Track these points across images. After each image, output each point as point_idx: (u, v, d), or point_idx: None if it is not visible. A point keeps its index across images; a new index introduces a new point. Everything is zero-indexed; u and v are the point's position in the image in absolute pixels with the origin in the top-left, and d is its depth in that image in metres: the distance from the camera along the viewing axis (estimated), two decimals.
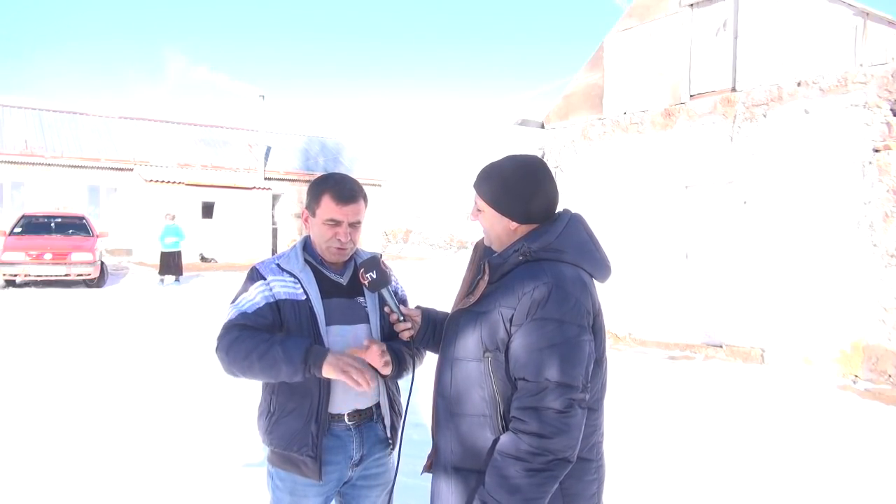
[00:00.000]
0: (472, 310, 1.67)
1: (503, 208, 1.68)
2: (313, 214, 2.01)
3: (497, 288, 1.63)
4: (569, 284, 1.56)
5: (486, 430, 1.60)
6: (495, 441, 1.57)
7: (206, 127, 27.26)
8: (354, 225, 2.00)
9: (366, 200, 2.05)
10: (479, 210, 1.74)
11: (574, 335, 1.53)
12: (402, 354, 2.01)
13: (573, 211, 1.75)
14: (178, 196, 22.20)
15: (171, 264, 15.13)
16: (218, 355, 1.90)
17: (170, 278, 15.16)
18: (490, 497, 1.50)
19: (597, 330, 1.62)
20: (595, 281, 1.71)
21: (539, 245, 1.62)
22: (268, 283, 1.96)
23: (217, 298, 12.78)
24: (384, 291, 1.92)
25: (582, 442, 1.59)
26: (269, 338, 1.84)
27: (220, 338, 1.90)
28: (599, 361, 1.63)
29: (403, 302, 2.16)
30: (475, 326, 1.63)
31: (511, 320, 1.57)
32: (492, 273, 1.66)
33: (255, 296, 1.95)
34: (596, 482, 1.66)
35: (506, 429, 1.57)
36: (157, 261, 16.00)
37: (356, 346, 2.00)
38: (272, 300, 1.94)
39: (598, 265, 1.69)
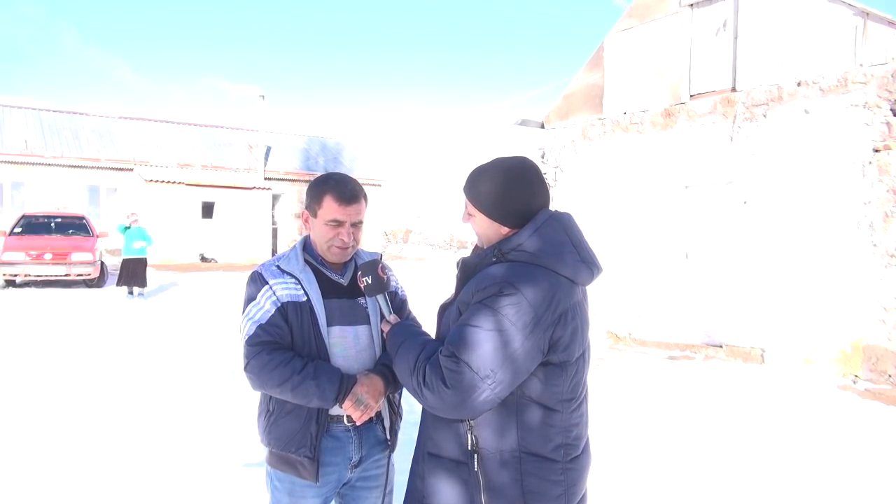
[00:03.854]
0: (449, 304, 1.75)
1: (493, 214, 1.70)
2: (314, 215, 2.01)
3: (468, 284, 1.68)
4: (522, 284, 1.56)
5: (455, 421, 1.65)
6: (465, 431, 1.63)
7: (206, 127, 27.28)
8: (356, 225, 2.01)
9: (366, 199, 2.05)
10: (469, 214, 1.77)
11: (503, 329, 1.53)
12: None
13: (561, 210, 1.75)
14: (178, 196, 22.20)
15: (136, 273, 12.75)
16: (248, 376, 1.93)
17: (135, 290, 12.81)
18: (402, 350, 1.71)
19: (561, 335, 1.60)
20: (582, 283, 1.69)
21: (509, 246, 1.65)
22: (271, 287, 1.97)
23: (213, 300, 12.79)
24: (379, 297, 1.91)
25: (543, 441, 1.61)
26: (301, 367, 1.87)
27: (248, 357, 1.91)
28: (565, 366, 1.63)
29: (404, 302, 2.16)
30: (447, 320, 1.71)
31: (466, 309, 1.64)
32: (467, 270, 1.71)
33: (264, 303, 1.95)
34: (562, 484, 1.64)
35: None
36: (154, 262, 14.48)
37: (356, 347, 2.01)
38: (279, 304, 1.95)
39: (573, 267, 1.65)
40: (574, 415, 1.68)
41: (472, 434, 1.62)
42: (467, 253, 1.94)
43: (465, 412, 1.57)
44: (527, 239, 1.64)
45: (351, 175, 2.12)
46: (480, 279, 1.62)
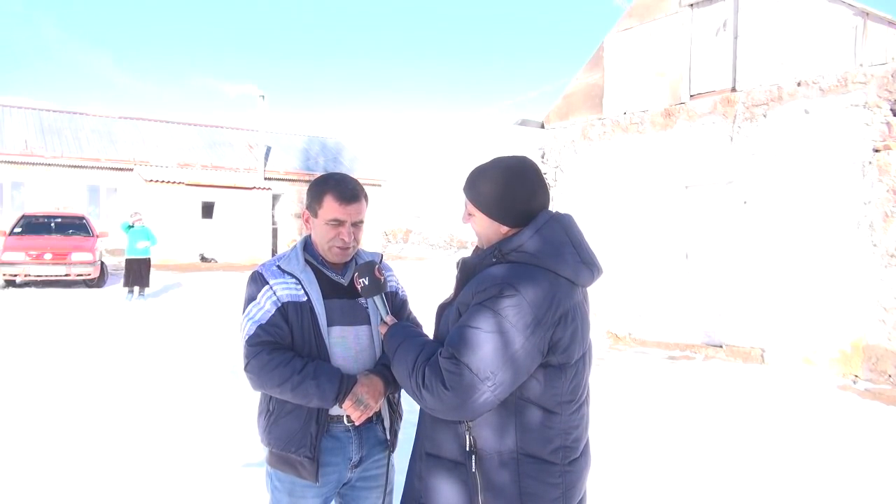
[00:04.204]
0: (448, 304, 1.74)
1: (493, 214, 1.70)
2: (315, 215, 2.01)
3: (468, 285, 1.68)
4: (523, 285, 1.56)
5: (454, 422, 1.64)
6: (463, 432, 1.62)
7: (206, 127, 27.28)
8: (357, 224, 2.01)
9: (366, 199, 2.05)
10: (469, 214, 1.77)
11: (503, 331, 1.53)
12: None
13: (562, 211, 1.76)
14: (178, 196, 22.21)
15: (140, 273, 12.59)
16: (248, 376, 1.94)
17: (135, 290, 12.63)
18: (401, 352, 1.71)
19: (561, 336, 1.60)
20: (583, 284, 1.69)
21: (510, 247, 1.65)
22: (271, 287, 1.97)
23: (213, 300, 12.78)
24: (376, 299, 1.90)
25: (542, 443, 1.61)
26: (301, 367, 1.87)
27: (248, 357, 1.92)
28: (564, 368, 1.63)
29: (404, 302, 2.16)
30: (446, 320, 1.70)
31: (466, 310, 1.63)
32: (467, 271, 1.71)
33: (265, 303, 1.96)
34: (560, 487, 1.64)
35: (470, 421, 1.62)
36: (154, 262, 13.82)
37: (357, 347, 2.01)
38: (279, 304, 1.95)
39: (574, 268, 1.65)
40: (574, 417, 1.67)
41: (470, 435, 1.61)
42: (467, 253, 1.94)
43: (464, 414, 1.57)
44: (527, 240, 1.63)
45: (351, 175, 2.12)
46: (480, 280, 1.62)
